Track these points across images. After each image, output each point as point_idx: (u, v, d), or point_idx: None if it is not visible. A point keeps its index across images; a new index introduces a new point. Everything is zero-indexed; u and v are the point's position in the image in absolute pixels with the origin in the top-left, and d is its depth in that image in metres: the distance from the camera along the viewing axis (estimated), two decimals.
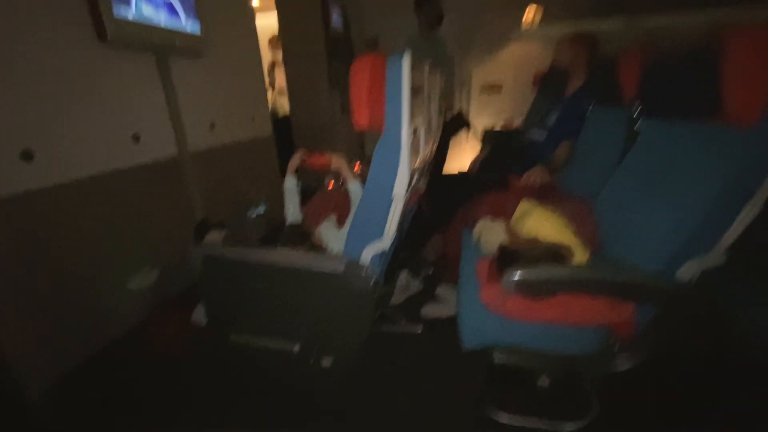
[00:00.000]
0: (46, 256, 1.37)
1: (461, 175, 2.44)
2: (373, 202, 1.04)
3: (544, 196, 1.60)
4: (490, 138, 3.62)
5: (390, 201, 1.02)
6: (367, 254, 1.08)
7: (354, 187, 1.35)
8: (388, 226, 1.05)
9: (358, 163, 2.56)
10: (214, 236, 2.05)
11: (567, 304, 0.96)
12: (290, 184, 1.51)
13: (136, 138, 1.68)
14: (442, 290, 1.94)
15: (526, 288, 0.91)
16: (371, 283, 1.05)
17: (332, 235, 1.31)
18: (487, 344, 1.05)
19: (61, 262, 1.42)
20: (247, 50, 2.55)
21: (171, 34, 1.77)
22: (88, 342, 1.53)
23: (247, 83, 2.56)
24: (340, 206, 1.47)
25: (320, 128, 3.62)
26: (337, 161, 1.45)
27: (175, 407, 1.33)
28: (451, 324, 1.51)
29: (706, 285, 0.90)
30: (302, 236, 1.27)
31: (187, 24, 1.87)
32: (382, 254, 1.15)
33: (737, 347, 1.02)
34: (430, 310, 1.81)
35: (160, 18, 1.69)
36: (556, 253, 1.02)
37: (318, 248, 1.27)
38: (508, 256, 1.04)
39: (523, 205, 1.27)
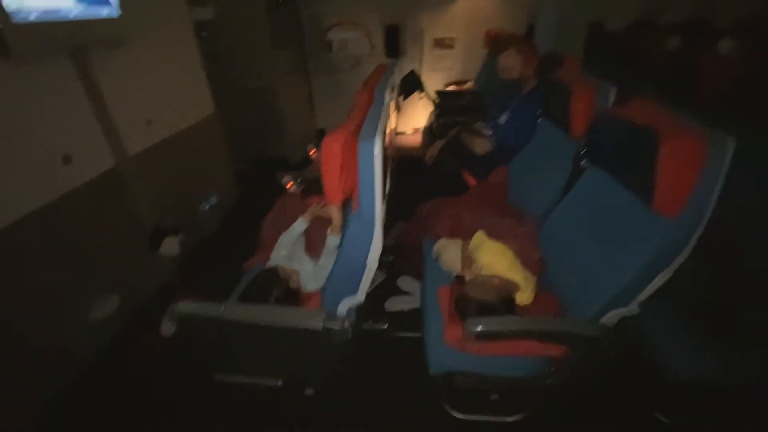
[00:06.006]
0: None
1: (421, 163, 2.48)
2: (349, 266, 1.10)
3: (496, 203, 1.73)
4: (443, 99, 3.60)
5: (364, 267, 1.08)
6: (344, 307, 1.16)
7: (332, 240, 1.30)
8: (362, 285, 1.12)
9: (314, 149, 2.48)
10: (170, 243, 1.99)
11: (517, 341, 1.15)
12: (299, 228, 1.45)
13: (67, 159, 1.50)
14: (403, 281, 2.09)
15: (484, 336, 1.07)
16: (349, 335, 1.15)
17: (307, 274, 1.34)
18: (450, 371, 1.24)
19: (9, 312, 1.34)
20: (175, 23, 2.21)
21: (84, 24, 1.51)
22: (57, 380, 1.52)
23: (181, 62, 2.27)
24: (311, 236, 1.48)
25: (264, 93, 3.33)
26: (334, 213, 1.29)
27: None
28: (413, 317, 1.67)
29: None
30: (277, 279, 1.29)
31: (101, 7, 1.58)
32: (358, 306, 1.23)
33: (647, 364, 1.27)
34: (392, 304, 1.95)
35: (68, 6, 1.42)
36: (507, 298, 1.18)
37: (295, 290, 1.31)
38: (465, 306, 1.18)
39: (478, 237, 1.39)
